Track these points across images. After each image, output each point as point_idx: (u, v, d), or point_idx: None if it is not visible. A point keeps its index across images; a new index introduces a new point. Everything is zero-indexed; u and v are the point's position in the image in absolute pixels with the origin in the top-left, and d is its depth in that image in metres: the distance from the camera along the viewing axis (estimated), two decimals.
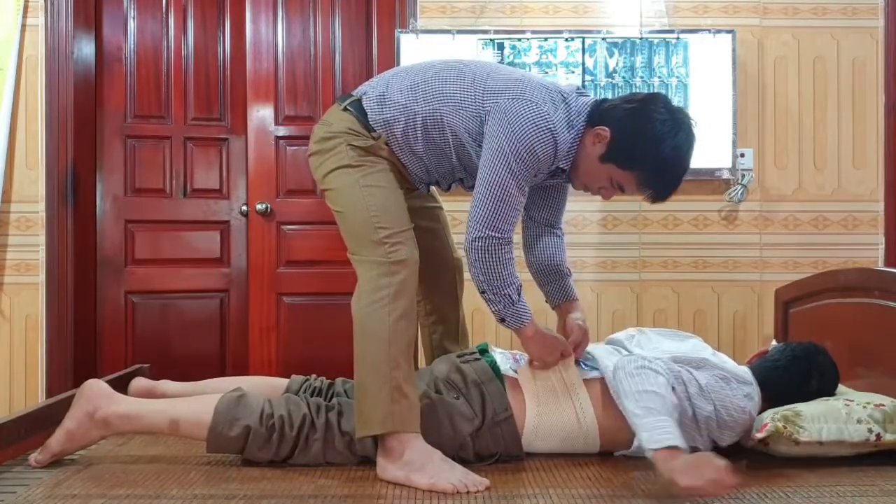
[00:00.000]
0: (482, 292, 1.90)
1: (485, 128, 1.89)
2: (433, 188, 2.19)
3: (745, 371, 1.97)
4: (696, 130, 1.94)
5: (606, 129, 1.87)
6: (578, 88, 2.00)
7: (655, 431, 1.65)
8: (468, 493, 1.68)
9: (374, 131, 1.95)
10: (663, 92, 3.13)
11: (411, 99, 1.94)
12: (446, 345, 2.22)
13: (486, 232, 1.85)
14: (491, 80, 1.91)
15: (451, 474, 1.73)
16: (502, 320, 1.93)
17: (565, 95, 1.93)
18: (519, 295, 1.90)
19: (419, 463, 1.75)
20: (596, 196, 2.02)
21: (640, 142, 1.85)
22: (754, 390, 1.92)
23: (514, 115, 1.84)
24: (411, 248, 1.91)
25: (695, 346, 2.06)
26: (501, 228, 1.85)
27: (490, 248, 1.85)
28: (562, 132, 1.87)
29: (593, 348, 2.08)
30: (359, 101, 1.99)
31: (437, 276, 2.19)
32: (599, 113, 1.90)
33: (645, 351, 2.01)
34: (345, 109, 1.98)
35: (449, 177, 2.04)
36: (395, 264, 1.86)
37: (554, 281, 2.13)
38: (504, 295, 1.88)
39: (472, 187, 1.95)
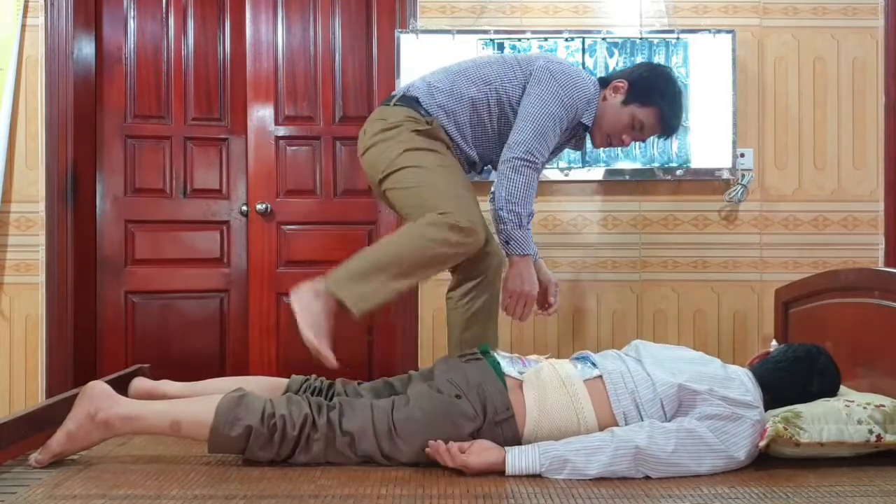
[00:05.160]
0: (499, 209, 2.16)
1: (528, 86, 2.22)
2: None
3: (747, 390, 1.90)
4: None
5: (621, 80, 2.31)
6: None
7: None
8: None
9: (430, 115, 2.22)
10: None
11: (458, 84, 2.26)
12: (477, 322, 2.33)
13: (521, 154, 2.15)
14: (521, 57, 2.34)
15: (319, 342, 1.96)
16: (507, 242, 2.18)
17: (579, 68, 2.44)
18: (528, 220, 2.17)
19: (317, 319, 2.00)
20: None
21: (654, 82, 2.31)
22: (760, 411, 1.88)
23: (556, 71, 2.23)
24: (482, 231, 2.13)
25: (703, 357, 2.05)
26: (534, 154, 2.16)
27: (521, 168, 2.14)
28: (589, 90, 2.27)
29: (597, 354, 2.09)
30: (404, 95, 2.28)
31: (475, 264, 2.33)
32: (609, 77, 2.37)
33: (653, 357, 1.99)
34: (396, 105, 2.26)
35: (485, 156, 2.34)
36: (469, 232, 2.07)
37: None
38: (515, 213, 2.14)
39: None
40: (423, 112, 2.23)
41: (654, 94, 2.30)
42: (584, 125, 2.32)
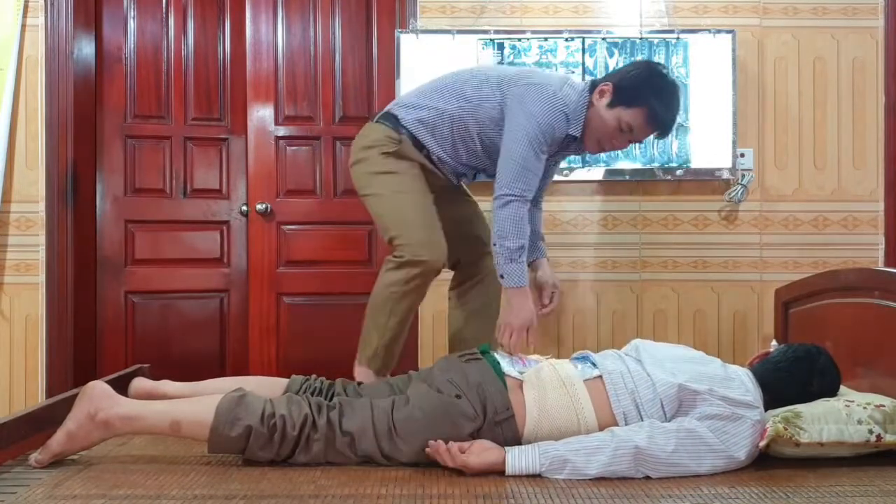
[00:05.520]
0: (493, 244, 2.25)
1: (505, 112, 2.25)
2: (464, 185, 2.55)
3: (747, 390, 1.90)
4: (677, 84, 2.35)
5: (607, 83, 2.26)
6: (569, 76, 2.46)
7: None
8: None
9: (408, 131, 2.30)
10: None
11: (439, 100, 2.32)
12: (477, 321, 2.46)
13: (506, 191, 2.21)
14: (503, 76, 2.32)
15: None
16: (501, 276, 2.23)
17: (565, 78, 2.34)
18: (520, 254, 2.21)
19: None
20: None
21: (640, 81, 2.24)
22: (760, 411, 1.87)
23: (529, 97, 2.23)
24: (432, 252, 2.24)
25: (703, 357, 2.05)
26: (518, 188, 2.21)
27: (508, 203, 2.20)
28: (569, 102, 2.24)
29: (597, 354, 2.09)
30: (388, 112, 2.36)
31: (473, 264, 2.46)
32: (597, 81, 2.32)
33: (653, 357, 1.99)
34: (377, 122, 2.36)
35: (474, 165, 2.38)
36: (414, 264, 2.23)
37: (532, 241, 2.44)
38: (506, 248, 2.20)
39: (493, 175, 2.30)
40: (401, 129, 2.32)
41: (640, 94, 2.23)
42: (574, 136, 2.30)
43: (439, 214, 2.41)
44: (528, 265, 2.46)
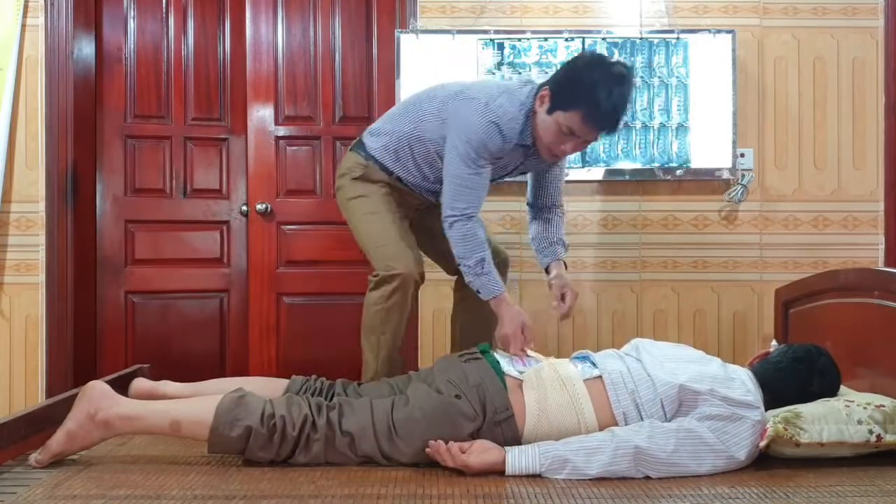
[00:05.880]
0: (457, 265, 2.25)
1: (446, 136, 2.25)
2: None
3: (748, 390, 1.89)
4: (622, 70, 2.15)
5: (546, 88, 2.17)
6: (527, 80, 2.30)
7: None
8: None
9: (373, 157, 2.35)
10: (662, 92, 3.15)
11: (399, 122, 2.36)
12: (478, 321, 2.45)
13: (449, 211, 2.21)
14: (448, 92, 2.30)
15: None
16: (478, 292, 2.23)
17: (506, 87, 2.25)
18: (482, 267, 2.19)
19: None
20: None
21: (572, 83, 2.13)
22: (761, 411, 1.87)
23: (460, 113, 2.21)
24: (404, 264, 2.26)
25: (703, 356, 2.05)
26: (458, 207, 2.20)
27: (453, 224, 2.20)
28: (505, 114, 2.17)
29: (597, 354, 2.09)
30: (360, 139, 2.42)
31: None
32: (541, 86, 2.21)
33: (653, 357, 1.99)
34: (351, 150, 2.43)
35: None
36: (388, 279, 2.26)
37: (548, 247, 2.48)
38: (467, 265, 2.20)
39: None
40: (368, 157, 2.37)
41: (573, 95, 2.11)
42: (525, 145, 2.25)
43: (431, 229, 2.42)
44: (545, 270, 2.48)
